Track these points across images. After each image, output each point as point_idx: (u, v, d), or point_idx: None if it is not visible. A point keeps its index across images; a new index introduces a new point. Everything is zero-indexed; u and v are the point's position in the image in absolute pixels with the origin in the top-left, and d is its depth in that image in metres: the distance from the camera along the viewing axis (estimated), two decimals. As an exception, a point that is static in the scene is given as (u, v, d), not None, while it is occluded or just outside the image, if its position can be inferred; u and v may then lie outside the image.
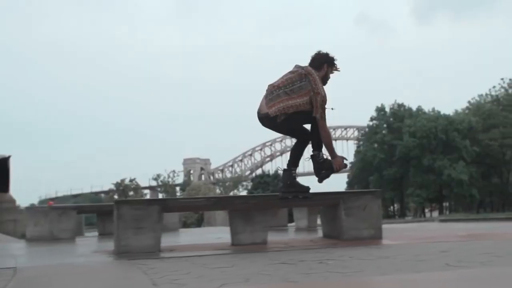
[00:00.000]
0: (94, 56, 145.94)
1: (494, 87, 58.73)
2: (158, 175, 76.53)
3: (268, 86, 5.09)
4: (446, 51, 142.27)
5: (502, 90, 58.36)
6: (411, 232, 6.86)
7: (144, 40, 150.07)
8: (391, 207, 68.17)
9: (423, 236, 5.75)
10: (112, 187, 72.08)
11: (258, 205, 5.23)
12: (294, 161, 5.21)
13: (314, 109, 4.91)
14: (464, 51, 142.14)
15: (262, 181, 63.16)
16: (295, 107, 4.89)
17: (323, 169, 5.14)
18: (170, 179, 76.56)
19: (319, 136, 5.02)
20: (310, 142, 5.15)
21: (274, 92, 4.98)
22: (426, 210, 68.76)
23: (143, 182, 79.88)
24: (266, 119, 5.01)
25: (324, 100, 4.93)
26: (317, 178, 5.21)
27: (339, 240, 5.24)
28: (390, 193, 61.40)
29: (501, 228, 8.41)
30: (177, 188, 78.96)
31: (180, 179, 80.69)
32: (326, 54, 5.18)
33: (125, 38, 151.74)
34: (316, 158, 5.15)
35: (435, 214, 61.32)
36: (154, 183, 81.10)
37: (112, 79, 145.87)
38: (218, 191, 76.59)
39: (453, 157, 53.68)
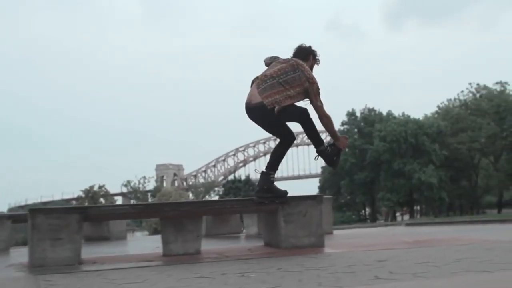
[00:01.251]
0: (61, 57, 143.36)
1: (462, 91, 59.37)
2: (129, 181, 75.36)
3: (259, 76, 4.82)
4: (415, 57, 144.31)
5: (470, 94, 58.98)
6: (360, 238, 6.55)
7: (115, 44, 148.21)
8: (363, 211, 68.41)
9: (368, 243, 5.44)
10: (81, 194, 70.57)
11: (190, 213, 4.85)
12: (274, 165, 4.97)
13: (313, 98, 4.76)
14: (433, 56, 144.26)
15: (234, 186, 62.81)
16: (291, 98, 4.70)
17: (334, 156, 4.98)
18: (140, 185, 75.41)
19: (316, 132, 4.90)
20: (310, 140, 4.99)
21: (267, 81, 4.72)
22: (398, 214, 69.19)
23: (115, 189, 78.62)
24: (258, 110, 4.68)
25: (319, 88, 4.81)
26: (332, 167, 5.26)
27: (278, 249, 4.90)
28: (362, 197, 61.66)
29: (458, 232, 8.19)
30: (149, 194, 77.91)
31: (151, 185, 79.58)
32: (310, 46, 5.07)
33: (96, 41, 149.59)
34: (324, 152, 4.95)
35: (407, 217, 61.72)
36: (125, 190, 79.85)
37: (86, 84, 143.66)
38: (191, 196, 75.93)
39: (423, 161, 54.05)
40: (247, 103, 4.72)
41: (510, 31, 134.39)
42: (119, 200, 79.55)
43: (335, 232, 8.41)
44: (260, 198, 4.88)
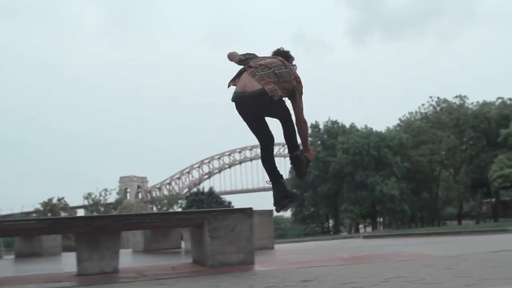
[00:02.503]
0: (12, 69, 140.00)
1: (423, 104, 60.27)
2: (89, 194, 73.61)
3: (251, 65, 4.41)
4: (378, 70, 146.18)
5: (431, 108, 59.89)
6: (298, 254, 6.17)
7: (76, 54, 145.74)
8: (326, 224, 68.43)
9: (304, 259, 5.07)
10: (39, 207, 68.59)
11: (106, 228, 4.40)
12: (278, 171, 4.56)
13: (299, 98, 4.49)
14: (396, 69, 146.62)
15: (197, 199, 62.10)
16: (283, 92, 4.34)
17: (305, 167, 4.62)
18: (102, 198, 73.74)
19: (296, 134, 4.51)
20: (287, 144, 4.53)
21: (264, 69, 4.34)
22: (361, 226, 69.50)
23: (76, 201, 76.72)
24: (259, 96, 4.22)
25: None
26: (299, 178, 4.70)
27: (204, 266, 4.49)
28: (325, 209, 61.69)
29: (407, 246, 7.95)
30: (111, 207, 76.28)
31: (113, 198, 77.94)
32: (289, 51, 4.83)
33: (58, 49, 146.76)
34: (300, 158, 4.54)
35: (370, 229, 61.97)
36: (86, 202, 77.98)
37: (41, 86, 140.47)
38: (155, 209, 74.76)
39: (385, 173, 54.43)
40: (240, 92, 4.29)
41: (469, 46, 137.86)
42: (81, 213, 77.67)
43: (280, 246, 8.04)
44: (281, 207, 4.56)
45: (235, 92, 4.34)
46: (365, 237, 20.44)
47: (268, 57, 4.55)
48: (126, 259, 7.09)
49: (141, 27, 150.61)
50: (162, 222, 4.66)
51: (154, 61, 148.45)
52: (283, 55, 4.67)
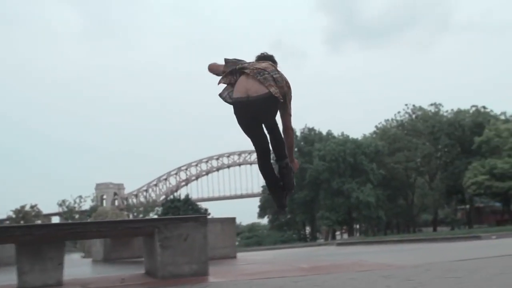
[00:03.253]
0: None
1: (399, 112, 60.71)
2: (63, 201, 72.52)
3: (248, 67, 4.23)
4: (355, 78, 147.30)
5: (406, 115, 60.37)
6: (258, 264, 5.94)
7: (54, 60, 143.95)
8: (303, 230, 68.37)
9: (262, 270, 4.85)
10: (11, 214, 67.29)
11: (48, 237, 4.12)
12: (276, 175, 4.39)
13: (289, 105, 4.36)
14: (372, 77, 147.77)
15: (173, 206, 61.58)
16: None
17: (292, 177, 4.44)
18: (76, 205, 72.70)
19: (282, 141, 4.34)
20: (274, 152, 4.33)
21: (263, 73, 4.18)
22: (338, 233, 69.59)
23: (51, 209, 75.51)
24: (267, 100, 4.06)
25: None
26: (288, 190, 4.44)
27: (155, 278, 4.23)
28: (302, 216, 61.59)
29: (376, 253, 7.79)
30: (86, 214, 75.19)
31: (87, 205, 76.89)
32: (273, 55, 4.64)
33: (34, 56, 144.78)
34: (288, 166, 4.37)
35: (346, 236, 62.10)
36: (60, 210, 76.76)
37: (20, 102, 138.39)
38: (131, 216, 73.90)
39: (361, 180, 54.58)
40: (243, 97, 4.07)
41: (444, 54, 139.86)
42: (56, 220, 76.44)
43: (245, 255, 7.81)
44: (284, 210, 4.49)
45: (236, 98, 4.12)
46: (338, 244, 20.31)
47: (261, 62, 4.37)
48: (77, 269, 6.80)
49: (120, 34, 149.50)
50: (108, 232, 4.39)
51: (132, 68, 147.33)
52: (268, 60, 4.49)
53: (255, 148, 4.31)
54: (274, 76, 4.19)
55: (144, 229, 4.27)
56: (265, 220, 71.19)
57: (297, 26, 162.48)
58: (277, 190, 4.34)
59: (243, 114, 4.12)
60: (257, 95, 4.04)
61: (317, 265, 4.83)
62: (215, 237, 6.74)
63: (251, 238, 65.47)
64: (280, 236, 60.86)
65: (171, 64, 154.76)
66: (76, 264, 8.29)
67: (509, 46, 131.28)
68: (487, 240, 13.36)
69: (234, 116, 4.16)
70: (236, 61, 4.44)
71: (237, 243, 57.18)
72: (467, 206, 58.38)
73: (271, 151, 4.33)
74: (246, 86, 4.11)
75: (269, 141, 4.25)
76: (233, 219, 7.19)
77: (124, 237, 6.60)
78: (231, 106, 4.23)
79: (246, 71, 4.21)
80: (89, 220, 67.00)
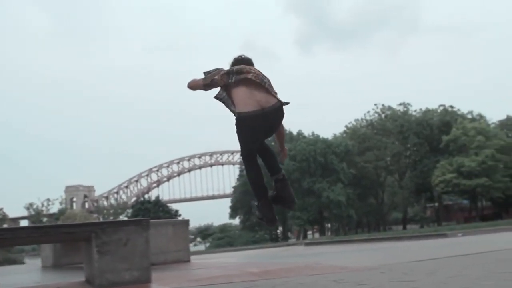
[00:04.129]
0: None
1: (368, 112, 61.15)
2: (31, 204, 70.95)
3: (250, 72, 4.01)
4: (326, 79, 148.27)
5: (376, 115, 60.82)
6: (209, 269, 5.65)
7: (20, 64, 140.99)
8: (275, 230, 68.28)
9: (210, 275, 4.57)
10: (-25, 218, 65.39)
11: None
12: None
13: None
14: (342, 78, 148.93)
15: (143, 208, 60.72)
16: None
17: (291, 189, 4.35)
18: (44, 208, 71.19)
19: (274, 152, 4.31)
20: (267, 166, 4.26)
21: (265, 81, 4.05)
22: (309, 232, 69.72)
23: (18, 212, 73.89)
24: (278, 112, 4.00)
25: None
26: (289, 205, 4.38)
27: (93, 286, 3.92)
28: (273, 217, 61.41)
29: (336, 254, 7.59)
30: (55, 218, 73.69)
31: (55, 208, 75.40)
32: (251, 58, 4.45)
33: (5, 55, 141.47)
34: (285, 178, 4.30)
35: (318, 235, 62.24)
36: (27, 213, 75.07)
37: None
38: (101, 218, 72.74)
39: (332, 180, 54.72)
40: (258, 110, 3.86)
41: (413, 55, 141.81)
42: (24, 224, 74.72)
43: (200, 258, 7.52)
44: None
45: (249, 111, 3.86)
46: (306, 244, 20.15)
47: (253, 67, 4.14)
48: (18, 277, 6.43)
49: (90, 34, 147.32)
50: (40, 238, 4.05)
51: (102, 69, 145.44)
52: (247, 64, 4.23)
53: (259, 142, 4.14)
54: (268, 83, 4.06)
55: (80, 234, 3.94)
56: (236, 221, 70.94)
57: (268, 27, 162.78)
58: (267, 200, 4.13)
59: (259, 127, 3.93)
60: (271, 106, 3.91)
61: (268, 269, 4.57)
62: (167, 240, 6.44)
63: (223, 238, 65.10)
64: (252, 237, 60.65)
65: (143, 64, 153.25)
66: (22, 271, 7.89)
67: (476, 47, 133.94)
68: (453, 238, 13.36)
69: (241, 128, 3.90)
70: (219, 69, 4.20)
71: (208, 244, 57.04)
72: (436, 204, 59.13)
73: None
74: (256, 97, 3.91)
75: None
76: (186, 222, 6.88)
77: (63, 242, 6.24)
78: (221, 106, 4.11)
79: (248, 76, 3.98)
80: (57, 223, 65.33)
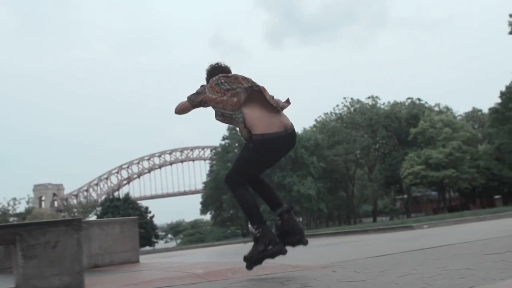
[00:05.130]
0: None
1: (337, 105, 61.38)
2: (-4, 204, 69.13)
3: (264, 91, 3.80)
4: (296, 73, 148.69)
5: (345, 108, 61.11)
6: (151, 271, 5.32)
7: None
8: (246, 226, 68.18)
9: (150, 278, 4.24)
10: None
11: None
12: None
13: None
14: (312, 72, 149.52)
15: (112, 205, 59.85)
16: None
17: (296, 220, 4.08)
18: (10, 207, 69.50)
19: (272, 186, 4.20)
20: (267, 202, 4.05)
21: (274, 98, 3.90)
22: (281, 227, 69.58)
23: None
24: (294, 132, 3.89)
25: None
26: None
27: (18, 294, 3.57)
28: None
29: (294, 251, 7.31)
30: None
31: (22, 207, 73.74)
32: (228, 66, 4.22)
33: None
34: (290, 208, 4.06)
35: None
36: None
37: None
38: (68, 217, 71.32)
39: (302, 173, 54.78)
40: (283, 131, 3.69)
41: (380, 50, 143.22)
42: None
43: (154, 257, 7.18)
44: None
45: (274, 132, 3.64)
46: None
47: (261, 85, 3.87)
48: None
49: (55, 31, 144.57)
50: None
51: (68, 66, 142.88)
52: (226, 72, 3.99)
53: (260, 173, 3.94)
54: None
55: (3, 237, 3.58)
56: (208, 217, 70.59)
57: (238, 21, 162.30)
58: (266, 226, 3.85)
59: (281, 149, 3.78)
60: (291, 127, 3.79)
61: (215, 269, 4.29)
62: (113, 240, 6.08)
63: (194, 235, 64.74)
64: (223, 232, 60.42)
65: (109, 60, 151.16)
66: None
67: (442, 41, 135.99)
68: (419, 230, 13.30)
69: (263, 151, 3.68)
70: (204, 86, 3.93)
71: (179, 240, 56.40)
72: (405, 196, 59.76)
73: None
74: (278, 117, 3.72)
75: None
76: (135, 219, 6.52)
77: None
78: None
79: (265, 95, 3.78)
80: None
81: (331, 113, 61.88)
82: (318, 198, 54.97)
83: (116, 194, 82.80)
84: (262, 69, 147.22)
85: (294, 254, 6.08)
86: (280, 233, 3.92)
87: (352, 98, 61.15)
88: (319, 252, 6.40)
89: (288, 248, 3.88)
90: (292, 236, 3.93)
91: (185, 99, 3.94)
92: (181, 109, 4.00)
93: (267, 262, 4.00)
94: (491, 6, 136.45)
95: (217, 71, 4.00)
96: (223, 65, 4.09)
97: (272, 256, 3.72)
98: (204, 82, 4.05)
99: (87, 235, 5.62)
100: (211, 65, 4.10)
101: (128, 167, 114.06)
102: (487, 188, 48.34)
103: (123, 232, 6.14)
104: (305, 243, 3.93)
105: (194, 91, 3.93)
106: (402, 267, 3.74)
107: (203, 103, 3.88)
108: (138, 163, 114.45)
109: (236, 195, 3.82)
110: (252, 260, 3.74)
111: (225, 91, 3.76)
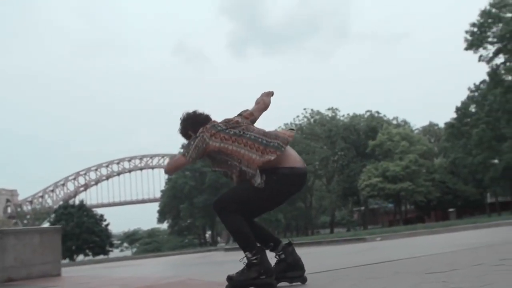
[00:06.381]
0: None
1: (298, 116, 61.55)
2: None
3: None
4: (258, 82, 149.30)
5: (305, 119, 61.35)
6: (59, 281, 4.89)
7: None
8: (204, 235, 67.50)
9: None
10: None
11: None
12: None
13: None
14: (274, 82, 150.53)
15: (66, 212, 58.16)
16: None
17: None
18: (-43, 214, 67.04)
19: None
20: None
21: None
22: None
23: None
24: None
25: None
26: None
27: None
28: (201, 221, 60.61)
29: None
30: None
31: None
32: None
33: None
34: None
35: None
36: None
37: None
38: (20, 224, 69.37)
39: (260, 183, 54.48)
40: (304, 167, 3.61)
41: (342, 62, 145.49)
42: None
43: (80, 270, 6.70)
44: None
45: (299, 168, 3.54)
46: (226, 249, 19.54)
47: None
48: None
49: (13, 34, 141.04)
50: None
51: (24, 70, 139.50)
52: (209, 120, 3.69)
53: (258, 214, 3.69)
54: None
55: None
56: (165, 225, 69.57)
57: (201, 29, 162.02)
58: (264, 253, 3.49)
59: (299, 186, 3.61)
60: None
61: (125, 282, 3.88)
62: (31, 251, 5.57)
63: (150, 243, 63.56)
64: (180, 241, 59.55)
65: (69, 65, 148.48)
66: None
67: (401, 54, 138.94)
68: (371, 242, 13.15)
69: (286, 185, 3.48)
70: (203, 139, 3.53)
71: (135, 249, 55.23)
72: (362, 208, 60.24)
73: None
74: (294, 155, 3.63)
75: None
76: (57, 229, 6.02)
77: None
78: None
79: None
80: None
81: (291, 123, 61.99)
82: (276, 209, 54.77)
83: (72, 201, 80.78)
84: (224, 78, 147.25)
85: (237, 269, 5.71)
86: (281, 266, 3.62)
87: (312, 109, 61.54)
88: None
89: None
90: (296, 271, 3.65)
91: (178, 156, 3.57)
92: (176, 167, 3.63)
93: (192, 279, 3.63)
94: (449, 22, 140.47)
95: (200, 119, 3.68)
96: (204, 113, 3.76)
97: (261, 286, 3.36)
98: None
99: (1, 245, 5.11)
100: (187, 113, 3.75)
101: (85, 174, 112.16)
102: (442, 201, 49.18)
103: (43, 242, 5.63)
104: (304, 281, 3.62)
105: (187, 146, 3.53)
106: (339, 283, 3.45)
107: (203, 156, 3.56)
108: (96, 169, 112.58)
109: (227, 220, 3.44)
110: (238, 285, 3.39)
111: (236, 136, 3.51)
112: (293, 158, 3.55)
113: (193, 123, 3.66)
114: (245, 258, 3.44)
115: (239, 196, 3.45)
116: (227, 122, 3.61)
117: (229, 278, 3.45)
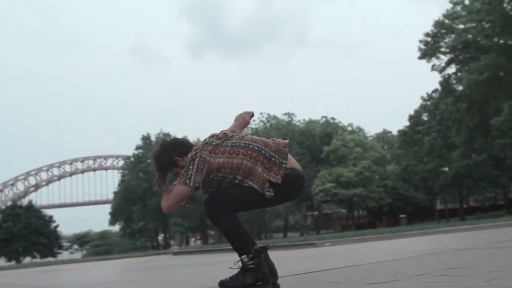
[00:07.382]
0: None
1: (254, 120, 61.37)
2: None
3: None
4: (216, 85, 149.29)
5: (261, 123, 61.33)
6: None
7: None
8: (156, 238, 66.52)
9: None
10: None
11: None
12: None
13: None
14: (232, 86, 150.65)
15: (14, 213, 56.23)
16: None
17: None
18: None
19: None
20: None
21: None
22: (192, 239, 68.66)
23: None
24: None
25: None
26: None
27: None
28: (154, 223, 59.69)
29: (179, 268, 6.67)
30: None
31: None
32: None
33: None
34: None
35: (199, 243, 61.46)
36: None
37: None
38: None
39: (216, 187, 54.11)
40: (302, 171, 3.42)
41: (299, 68, 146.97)
42: None
43: (20, 273, 6.23)
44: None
45: (298, 171, 3.36)
46: (174, 253, 19.12)
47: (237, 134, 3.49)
48: None
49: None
50: None
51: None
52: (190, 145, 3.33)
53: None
54: None
55: None
56: (117, 227, 68.27)
57: (160, 30, 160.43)
58: (260, 256, 3.18)
59: (298, 190, 3.40)
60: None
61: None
62: None
63: (101, 246, 62.19)
64: (132, 244, 58.50)
65: (21, 63, 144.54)
66: None
67: (358, 62, 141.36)
68: (320, 248, 13.02)
69: (288, 187, 3.26)
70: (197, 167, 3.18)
71: (85, 251, 53.98)
72: (316, 213, 60.58)
73: None
74: (294, 161, 3.43)
75: None
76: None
77: None
78: None
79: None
80: None
81: (247, 127, 61.87)
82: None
83: (20, 201, 78.22)
84: (182, 80, 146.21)
85: (179, 273, 5.41)
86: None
87: (268, 114, 61.55)
88: (198, 273, 5.75)
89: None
90: (272, 275, 3.32)
91: (176, 187, 3.25)
92: (177, 201, 3.34)
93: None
94: (404, 32, 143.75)
95: (180, 142, 3.40)
96: (185, 139, 3.50)
97: None
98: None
99: None
100: (163, 142, 3.48)
101: (36, 174, 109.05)
102: (393, 207, 49.97)
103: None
104: (276, 287, 3.30)
105: (185, 172, 3.18)
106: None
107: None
108: (48, 170, 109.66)
109: (223, 221, 3.17)
110: None
111: (235, 147, 3.25)
112: (292, 161, 3.36)
113: (175, 148, 3.34)
114: (240, 262, 3.13)
115: (239, 197, 3.18)
116: (215, 136, 3.36)
117: (222, 284, 3.15)
